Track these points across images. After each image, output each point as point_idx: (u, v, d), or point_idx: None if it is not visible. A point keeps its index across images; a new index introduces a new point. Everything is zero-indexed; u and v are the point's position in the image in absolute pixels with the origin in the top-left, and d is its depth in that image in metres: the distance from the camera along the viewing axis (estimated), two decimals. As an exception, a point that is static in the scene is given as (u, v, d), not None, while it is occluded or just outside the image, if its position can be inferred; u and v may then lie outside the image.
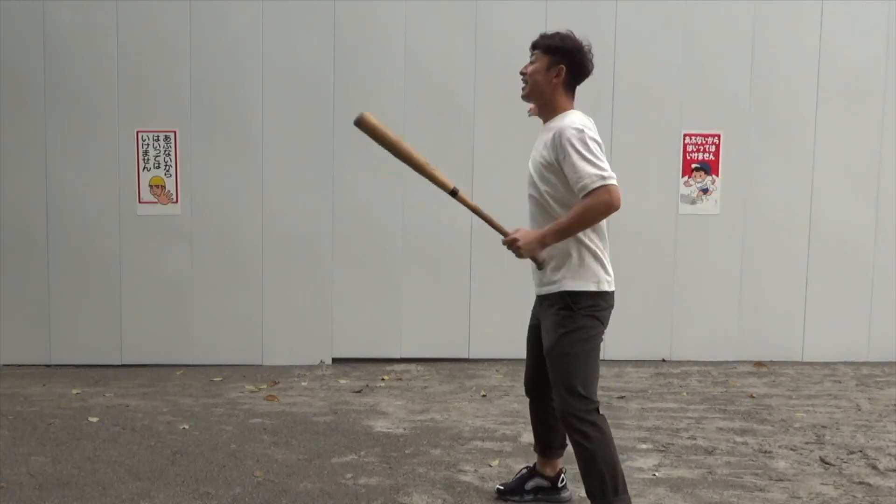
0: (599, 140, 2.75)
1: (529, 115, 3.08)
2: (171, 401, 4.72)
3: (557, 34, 2.88)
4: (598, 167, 2.63)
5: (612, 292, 2.85)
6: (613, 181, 2.63)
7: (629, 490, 2.86)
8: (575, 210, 2.68)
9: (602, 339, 2.85)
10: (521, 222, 2.85)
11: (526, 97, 2.95)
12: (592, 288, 2.78)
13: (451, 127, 5.53)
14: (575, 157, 2.65)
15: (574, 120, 2.76)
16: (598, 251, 2.80)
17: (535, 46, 2.91)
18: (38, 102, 5.48)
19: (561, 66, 2.83)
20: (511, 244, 2.76)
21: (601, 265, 2.80)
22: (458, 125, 5.55)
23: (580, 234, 2.75)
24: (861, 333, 5.77)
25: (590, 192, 2.62)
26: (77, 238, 5.55)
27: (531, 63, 2.89)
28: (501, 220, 2.84)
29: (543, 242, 2.73)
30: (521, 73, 2.92)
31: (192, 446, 3.89)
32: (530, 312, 3.14)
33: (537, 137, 2.95)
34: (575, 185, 2.67)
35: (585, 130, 2.69)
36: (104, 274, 5.56)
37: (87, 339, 5.59)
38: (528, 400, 3.23)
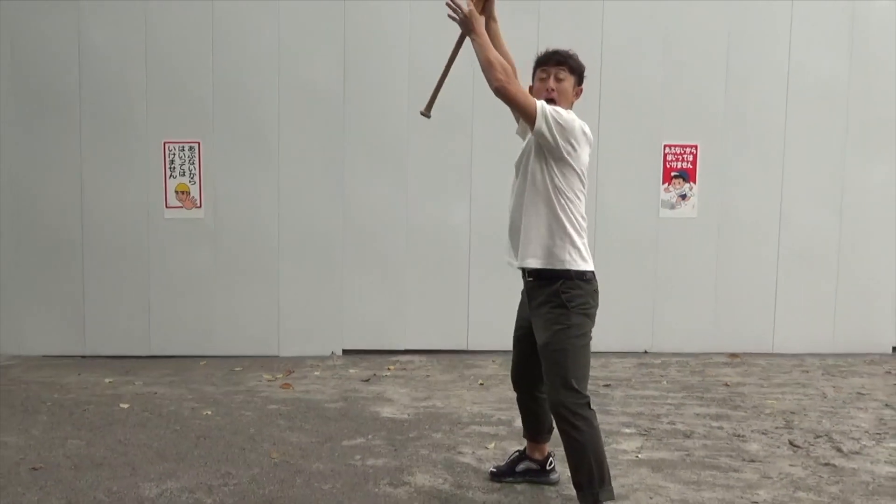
0: (586, 135, 2.75)
1: None
2: (195, 389, 4.73)
3: (575, 56, 2.85)
4: (549, 109, 2.65)
5: (593, 272, 2.80)
6: (542, 106, 2.63)
7: (613, 469, 2.85)
8: (503, 61, 2.71)
9: (591, 337, 2.81)
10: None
11: None
12: (582, 266, 2.75)
13: (452, 133, 5.52)
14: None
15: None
16: (578, 235, 2.77)
17: (562, 63, 2.83)
18: (74, 116, 5.49)
19: (581, 87, 2.88)
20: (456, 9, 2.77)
21: (583, 246, 2.78)
22: (458, 132, 5.55)
23: (570, 215, 2.73)
24: (827, 327, 5.77)
25: (533, 106, 2.63)
26: (109, 239, 5.55)
27: (561, 80, 2.83)
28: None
29: (473, 25, 2.77)
30: (550, 90, 2.82)
31: (215, 430, 3.90)
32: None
33: None
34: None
35: (571, 115, 2.72)
36: (134, 272, 5.57)
37: (119, 332, 5.59)
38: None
